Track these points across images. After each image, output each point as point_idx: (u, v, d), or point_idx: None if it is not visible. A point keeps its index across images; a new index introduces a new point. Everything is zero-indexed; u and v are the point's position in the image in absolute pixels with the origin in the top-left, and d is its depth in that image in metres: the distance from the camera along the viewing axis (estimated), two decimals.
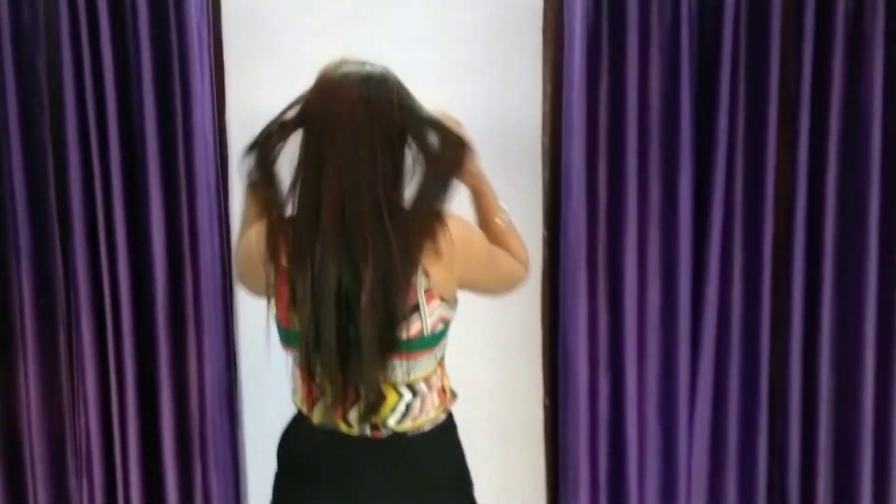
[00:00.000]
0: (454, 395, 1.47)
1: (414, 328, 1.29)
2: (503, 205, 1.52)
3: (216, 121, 1.93)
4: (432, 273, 1.29)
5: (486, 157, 2.03)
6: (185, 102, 1.84)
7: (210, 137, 1.90)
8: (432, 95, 1.99)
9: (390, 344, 1.27)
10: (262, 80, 1.97)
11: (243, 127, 1.93)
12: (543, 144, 2.05)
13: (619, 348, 2.01)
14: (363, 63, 1.31)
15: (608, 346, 2.02)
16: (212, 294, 1.88)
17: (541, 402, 2.16)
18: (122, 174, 1.85)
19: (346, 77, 1.26)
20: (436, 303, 1.32)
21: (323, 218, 1.23)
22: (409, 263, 1.25)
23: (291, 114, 1.32)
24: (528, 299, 2.11)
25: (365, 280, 1.22)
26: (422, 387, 1.39)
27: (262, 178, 1.32)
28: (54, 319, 1.89)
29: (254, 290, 1.41)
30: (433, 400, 1.41)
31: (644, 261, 1.99)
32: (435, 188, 1.29)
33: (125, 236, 1.85)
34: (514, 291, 1.52)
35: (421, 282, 1.29)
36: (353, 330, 1.25)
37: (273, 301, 1.32)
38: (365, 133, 1.23)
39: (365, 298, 1.23)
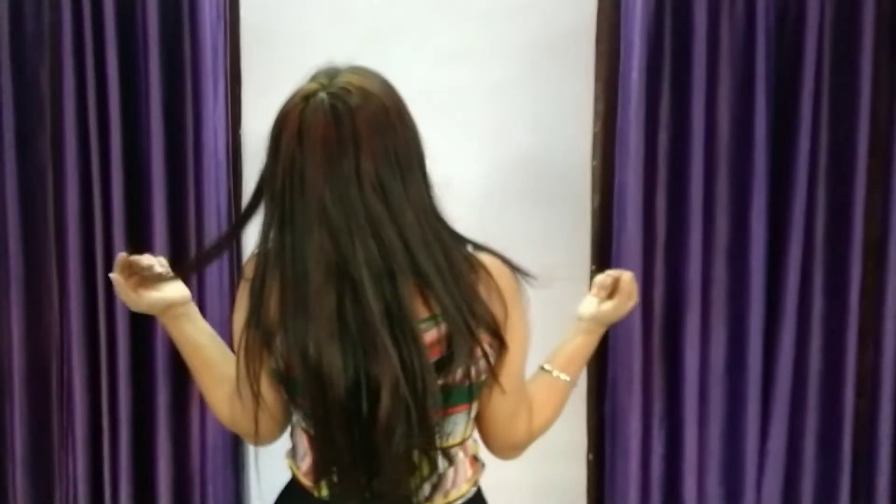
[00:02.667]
0: (483, 465, 1.25)
1: (456, 374, 1.07)
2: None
3: (230, 140, 1.83)
4: None
5: (530, 183, 1.96)
6: (196, 119, 1.74)
7: (223, 157, 1.80)
8: (471, 116, 1.89)
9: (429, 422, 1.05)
10: (284, 96, 1.81)
11: (260, 147, 1.86)
12: (594, 168, 1.90)
13: (677, 401, 1.84)
14: (337, 73, 1.05)
15: (664, 399, 1.86)
16: (218, 330, 1.67)
17: (584, 458, 1.99)
18: (123, 197, 1.74)
19: (314, 107, 1.01)
20: (483, 347, 1.09)
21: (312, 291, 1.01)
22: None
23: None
24: None
25: (384, 380, 1.00)
26: (457, 453, 1.17)
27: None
28: (46, 356, 1.79)
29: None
30: (466, 471, 1.19)
31: (708, 304, 1.82)
32: None
33: None
34: (493, 446, 1.21)
35: None
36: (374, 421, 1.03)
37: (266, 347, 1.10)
38: (349, 170, 1.00)
39: (385, 407, 1.00)
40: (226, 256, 1.84)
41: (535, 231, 1.96)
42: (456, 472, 1.16)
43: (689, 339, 1.81)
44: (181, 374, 1.78)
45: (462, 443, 1.16)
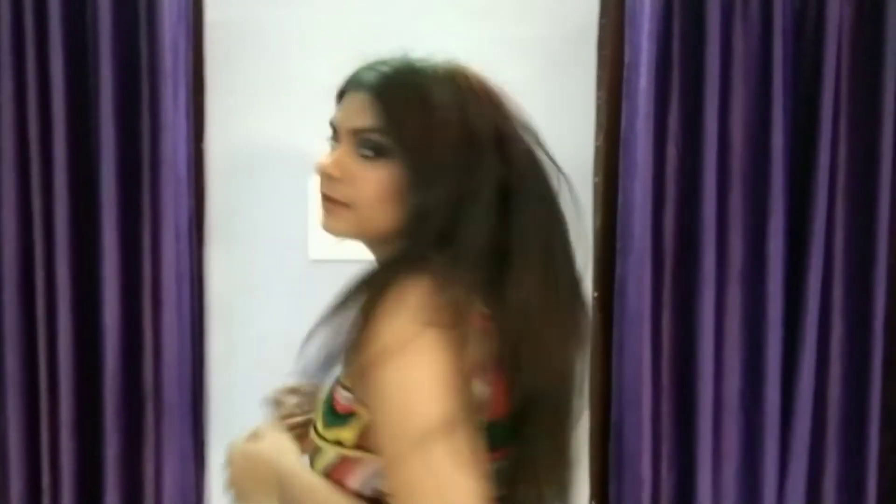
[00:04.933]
0: None
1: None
2: None
3: (192, 153, 1.76)
4: None
5: None
6: (153, 127, 1.67)
7: (183, 172, 1.72)
8: None
9: None
10: (253, 104, 1.80)
11: (226, 161, 1.85)
12: (595, 185, 1.83)
13: (690, 441, 1.76)
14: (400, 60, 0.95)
15: (675, 439, 1.78)
16: (176, 371, 1.68)
17: None
18: (68, 216, 1.65)
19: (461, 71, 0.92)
20: None
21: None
22: None
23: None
24: None
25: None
26: None
27: None
28: None
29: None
30: None
31: (722, 333, 1.76)
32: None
33: (69, 295, 1.66)
34: None
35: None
36: None
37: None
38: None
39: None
40: (187, 292, 1.71)
41: None
42: None
43: (702, 371, 1.72)
44: (133, 423, 1.68)
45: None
